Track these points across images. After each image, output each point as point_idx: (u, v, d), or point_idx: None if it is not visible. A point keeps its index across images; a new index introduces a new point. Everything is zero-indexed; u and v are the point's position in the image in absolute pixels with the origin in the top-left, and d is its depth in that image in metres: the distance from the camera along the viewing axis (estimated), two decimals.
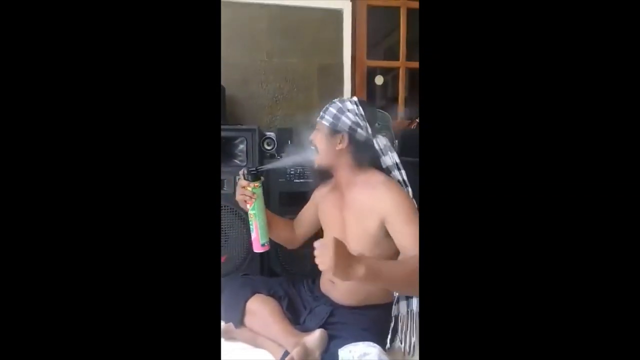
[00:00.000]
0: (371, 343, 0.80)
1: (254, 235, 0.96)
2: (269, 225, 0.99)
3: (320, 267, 0.69)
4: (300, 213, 1.14)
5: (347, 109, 0.95)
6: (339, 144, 0.94)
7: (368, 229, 0.90)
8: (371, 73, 1.83)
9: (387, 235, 0.89)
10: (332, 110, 0.95)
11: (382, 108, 1.76)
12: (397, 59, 1.81)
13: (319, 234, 1.12)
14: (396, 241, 0.86)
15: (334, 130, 0.94)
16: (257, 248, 0.97)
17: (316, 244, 0.70)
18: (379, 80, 1.87)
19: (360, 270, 0.66)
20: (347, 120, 0.94)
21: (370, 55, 1.78)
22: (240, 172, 0.94)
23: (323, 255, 0.67)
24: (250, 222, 0.96)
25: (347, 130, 0.93)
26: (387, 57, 1.91)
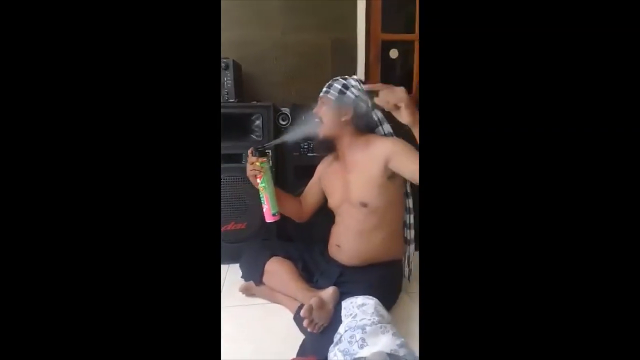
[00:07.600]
0: (370, 296, 0.91)
1: (265, 207, 1.03)
2: (279, 202, 1.06)
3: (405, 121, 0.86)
4: (306, 188, 1.23)
5: (350, 85, 1.05)
6: (344, 115, 1.04)
7: (374, 175, 1.01)
8: (386, 47, 1.82)
9: (390, 177, 1.01)
10: (337, 85, 1.05)
11: (397, 82, 1.77)
12: (413, 32, 1.80)
13: (324, 207, 1.21)
14: (406, 174, 0.98)
15: (340, 104, 1.04)
16: (269, 218, 1.04)
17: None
18: (393, 53, 1.86)
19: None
20: (351, 94, 1.04)
21: (385, 29, 1.77)
22: (249, 151, 1.03)
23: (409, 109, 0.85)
24: (261, 195, 1.03)
25: (351, 103, 1.04)
26: (403, 30, 1.88)
